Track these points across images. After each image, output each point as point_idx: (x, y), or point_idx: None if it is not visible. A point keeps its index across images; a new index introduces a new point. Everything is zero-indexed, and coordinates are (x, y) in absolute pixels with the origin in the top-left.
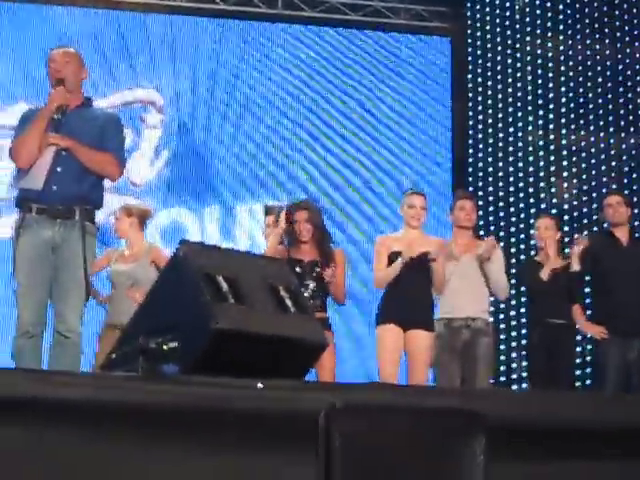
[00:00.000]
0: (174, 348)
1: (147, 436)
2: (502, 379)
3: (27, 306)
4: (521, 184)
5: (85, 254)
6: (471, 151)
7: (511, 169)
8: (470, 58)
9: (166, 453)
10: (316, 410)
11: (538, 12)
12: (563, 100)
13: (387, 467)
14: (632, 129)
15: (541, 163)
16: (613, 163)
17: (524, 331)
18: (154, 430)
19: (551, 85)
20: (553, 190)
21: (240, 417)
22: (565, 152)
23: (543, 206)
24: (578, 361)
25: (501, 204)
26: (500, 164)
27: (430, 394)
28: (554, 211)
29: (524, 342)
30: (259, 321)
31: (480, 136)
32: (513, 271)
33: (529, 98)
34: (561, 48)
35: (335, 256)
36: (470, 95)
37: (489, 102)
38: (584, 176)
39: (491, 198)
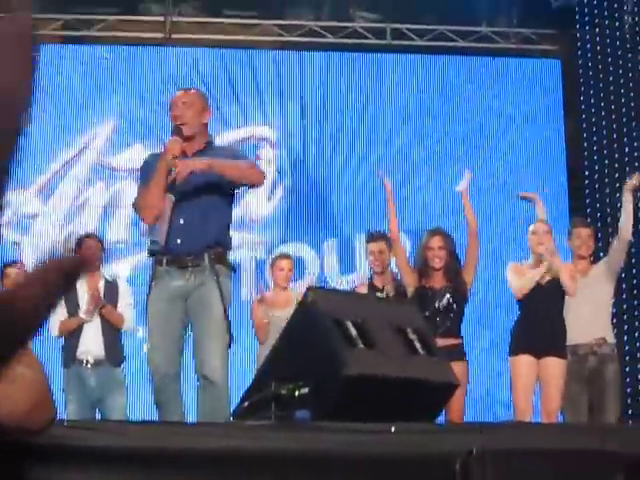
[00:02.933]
0: (305, 394)
1: None
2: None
3: (160, 359)
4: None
5: (222, 295)
6: (587, 173)
7: None
8: (581, 79)
9: None
10: (452, 454)
11: None
12: None
13: None
14: None
15: None
16: None
17: None
18: (288, 477)
19: None
20: None
21: (374, 462)
22: None
23: None
24: None
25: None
26: (617, 185)
27: (569, 433)
28: None
29: None
30: (389, 365)
31: (595, 157)
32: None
33: None
34: None
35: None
36: (583, 115)
37: (603, 122)
38: None
39: (609, 219)
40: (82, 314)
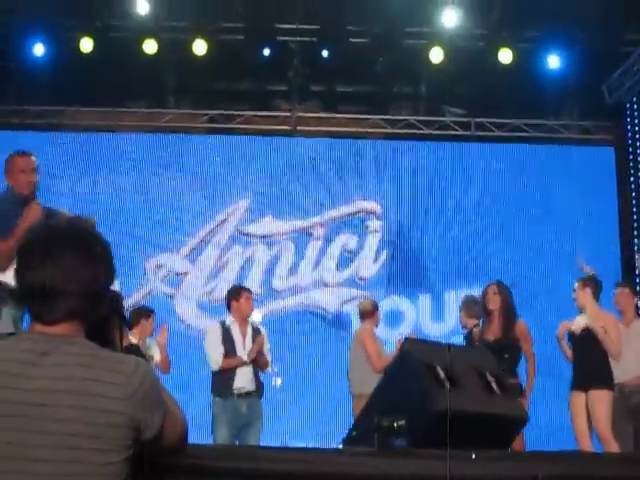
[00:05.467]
0: (403, 425)
1: None
2: None
3: None
4: None
5: None
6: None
7: None
8: (631, 163)
9: None
10: (522, 478)
11: None
12: None
13: None
14: None
15: None
16: None
17: None
18: None
19: None
20: None
21: None
22: None
23: None
24: None
25: None
26: None
27: (627, 462)
28: None
29: None
30: (470, 402)
31: None
32: None
33: None
34: None
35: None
36: (634, 196)
37: None
38: None
39: None
40: (245, 356)
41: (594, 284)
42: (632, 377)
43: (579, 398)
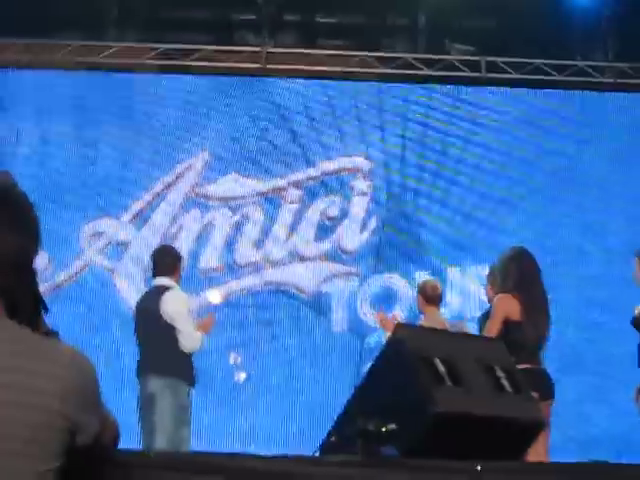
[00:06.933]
0: (392, 430)
1: None
2: None
3: None
4: None
5: None
6: None
7: None
8: None
9: None
10: None
11: None
12: None
13: None
14: None
15: None
16: None
17: None
18: None
19: None
20: None
21: None
22: None
23: None
24: None
25: None
26: None
27: None
28: None
29: None
30: (476, 403)
31: None
32: None
33: None
34: None
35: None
36: None
37: None
38: None
39: None
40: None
41: None
42: None
43: None
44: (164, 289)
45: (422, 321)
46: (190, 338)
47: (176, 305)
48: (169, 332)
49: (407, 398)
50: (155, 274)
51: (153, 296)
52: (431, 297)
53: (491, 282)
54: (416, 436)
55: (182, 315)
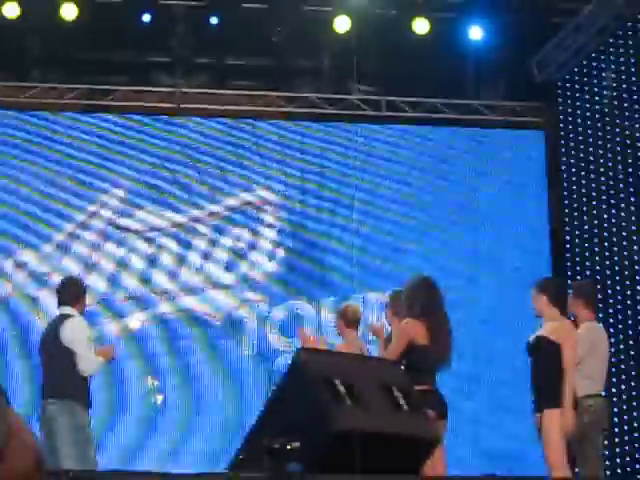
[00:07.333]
0: (297, 448)
1: None
2: None
3: None
4: (617, 267)
5: None
6: (568, 237)
7: (607, 254)
8: (563, 149)
9: None
10: None
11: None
12: None
13: None
14: None
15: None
16: None
17: None
18: None
19: None
20: None
21: None
22: None
23: None
24: None
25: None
26: (596, 249)
27: None
28: None
29: None
30: (374, 420)
31: (576, 223)
32: None
33: (621, 185)
34: None
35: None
36: (565, 184)
37: (583, 190)
38: None
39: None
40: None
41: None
42: None
43: None
44: (65, 317)
45: (342, 344)
46: (88, 361)
47: (75, 332)
48: (68, 357)
49: (309, 417)
50: (59, 304)
51: (55, 324)
52: (351, 321)
53: (393, 306)
54: (318, 453)
55: (81, 341)
